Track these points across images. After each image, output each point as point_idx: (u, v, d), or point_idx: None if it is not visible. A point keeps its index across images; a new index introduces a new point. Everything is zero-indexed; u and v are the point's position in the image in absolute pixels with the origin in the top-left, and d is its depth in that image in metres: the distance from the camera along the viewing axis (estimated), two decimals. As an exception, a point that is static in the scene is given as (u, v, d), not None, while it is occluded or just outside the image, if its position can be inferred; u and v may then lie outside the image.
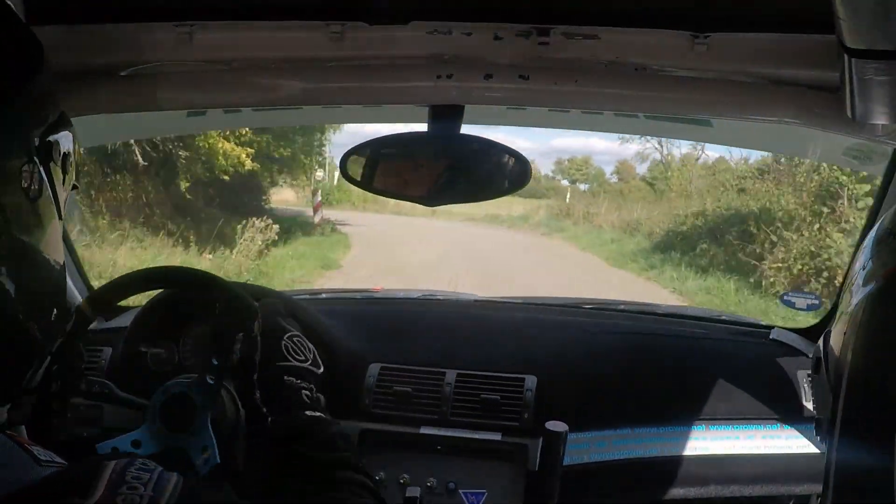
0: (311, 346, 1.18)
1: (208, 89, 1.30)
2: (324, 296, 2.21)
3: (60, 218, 0.70)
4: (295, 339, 1.16)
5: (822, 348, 0.88)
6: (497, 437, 1.60)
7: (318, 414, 1.06)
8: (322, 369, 1.17)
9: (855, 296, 0.71)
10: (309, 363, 1.15)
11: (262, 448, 1.05)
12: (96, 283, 1.93)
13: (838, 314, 0.79)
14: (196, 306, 1.71)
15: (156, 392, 1.33)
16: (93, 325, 1.57)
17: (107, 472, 0.60)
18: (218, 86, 1.29)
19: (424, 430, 1.62)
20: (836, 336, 0.76)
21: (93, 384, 1.44)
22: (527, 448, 1.58)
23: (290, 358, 1.13)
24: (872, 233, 0.75)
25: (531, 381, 1.65)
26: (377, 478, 1.59)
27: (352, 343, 1.75)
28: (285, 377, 1.10)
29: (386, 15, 1.15)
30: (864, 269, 0.72)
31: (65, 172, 0.71)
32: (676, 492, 1.62)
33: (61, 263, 0.71)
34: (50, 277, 0.69)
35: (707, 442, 1.65)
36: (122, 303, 1.84)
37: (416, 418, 1.63)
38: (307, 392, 1.10)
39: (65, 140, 0.71)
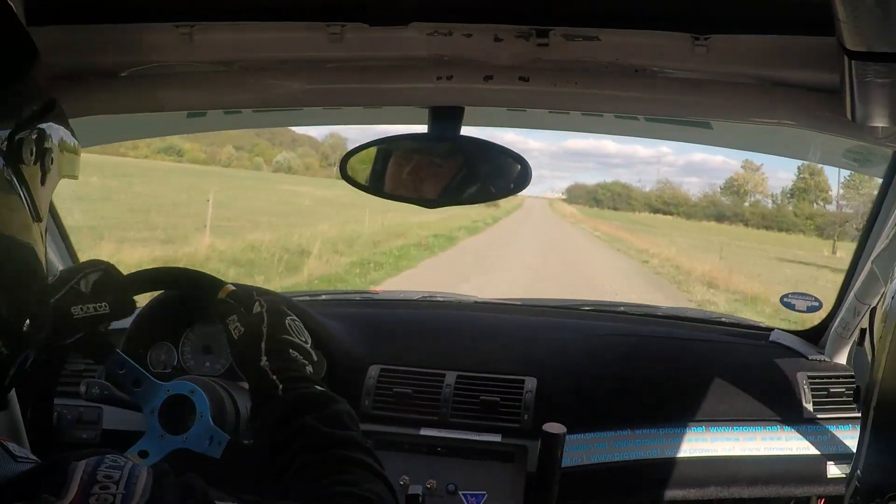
0: (307, 332, 1.24)
1: (208, 90, 1.30)
2: (323, 297, 2.21)
3: (38, 219, 0.68)
4: (296, 322, 1.20)
5: (869, 322, 0.88)
6: (497, 438, 1.60)
7: (325, 390, 1.08)
8: (317, 358, 1.21)
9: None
10: (309, 345, 1.20)
11: (270, 416, 1.06)
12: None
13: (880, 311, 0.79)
14: (197, 307, 1.72)
15: (149, 400, 1.35)
16: None
17: (79, 473, 0.61)
18: (218, 87, 1.29)
19: (424, 432, 1.61)
20: (877, 326, 0.76)
21: (92, 386, 1.44)
22: (526, 449, 1.57)
23: (293, 335, 1.17)
24: None
25: (531, 382, 1.65)
26: None
27: (351, 344, 1.75)
28: (290, 350, 1.14)
29: (386, 16, 1.15)
30: None
31: (44, 171, 0.68)
32: (676, 493, 1.62)
33: (41, 263, 0.69)
34: (26, 279, 0.67)
35: (707, 443, 1.65)
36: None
37: (416, 420, 1.63)
38: (310, 369, 1.14)
39: (43, 135, 0.68)
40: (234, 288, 1.37)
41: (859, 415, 1.66)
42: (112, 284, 1.34)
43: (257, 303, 1.21)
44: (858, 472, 0.73)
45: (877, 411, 0.69)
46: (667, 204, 65.76)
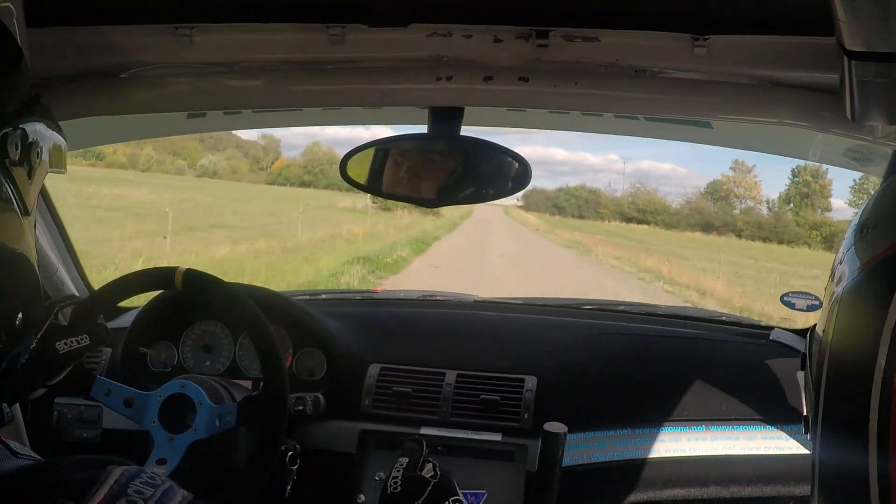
0: None
1: (208, 91, 1.30)
2: (324, 296, 2.21)
3: (26, 213, 0.67)
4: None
5: (807, 345, 0.88)
6: (497, 437, 1.60)
7: None
8: None
9: (835, 290, 0.71)
10: None
11: None
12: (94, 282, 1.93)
13: (822, 310, 0.79)
14: (196, 306, 1.72)
15: (146, 412, 1.35)
16: None
17: (110, 480, 0.58)
18: (218, 88, 1.29)
19: (424, 431, 1.62)
20: (819, 331, 0.76)
21: None
22: (526, 448, 1.58)
23: None
24: (850, 228, 0.74)
25: (531, 381, 1.65)
26: (376, 478, 1.59)
27: (351, 343, 1.75)
28: None
29: (386, 17, 1.15)
30: (840, 263, 0.72)
31: (31, 166, 0.67)
32: (676, 492, 1.62)
33: (31, 258, 0.68)
34: (13, 277, 0.66)
35: (707, 442, 1.65)
36: (123, 303, 1.84)
37: (416, 419, 1.63)
38: None
39: (28, 131, 0.67)
40: (185, 269, 1.39)
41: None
42: (86, 313, 1.33)
43: (430, 465, 1.09)
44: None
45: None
46: (642, 211, 59.83)
